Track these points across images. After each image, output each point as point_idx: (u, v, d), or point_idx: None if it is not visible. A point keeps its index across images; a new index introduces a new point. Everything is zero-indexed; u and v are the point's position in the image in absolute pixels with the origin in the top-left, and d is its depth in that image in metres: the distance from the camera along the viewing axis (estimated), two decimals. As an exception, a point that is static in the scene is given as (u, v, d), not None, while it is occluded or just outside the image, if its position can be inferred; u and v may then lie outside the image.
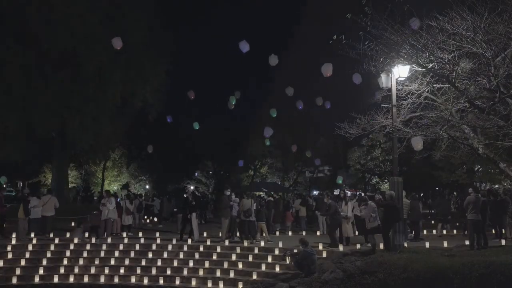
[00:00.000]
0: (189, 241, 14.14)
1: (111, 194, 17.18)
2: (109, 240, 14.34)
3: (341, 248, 12.27)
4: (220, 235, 14.67)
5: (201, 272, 12.14)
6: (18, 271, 12.34)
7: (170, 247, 13.71)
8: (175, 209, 19.38)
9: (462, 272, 8.72)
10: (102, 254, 13.51)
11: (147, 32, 24.34)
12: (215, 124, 36.57)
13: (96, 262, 13.15)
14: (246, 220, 14.06)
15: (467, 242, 11.79)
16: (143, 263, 13.03)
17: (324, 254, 11.83)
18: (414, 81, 11.44)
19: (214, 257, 12.87)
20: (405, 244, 12.13)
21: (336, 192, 29.71)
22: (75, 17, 21.28)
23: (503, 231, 13.59)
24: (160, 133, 38.12)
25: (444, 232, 16.70)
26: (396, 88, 11.81)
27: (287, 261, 11.30)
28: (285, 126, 33.42)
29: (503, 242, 12.31)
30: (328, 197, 14.62)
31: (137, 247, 13.86)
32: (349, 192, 38.88)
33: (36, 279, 12.16)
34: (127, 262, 13.07)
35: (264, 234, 14.55)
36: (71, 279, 12.43)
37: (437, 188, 39.89)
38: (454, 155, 14.00)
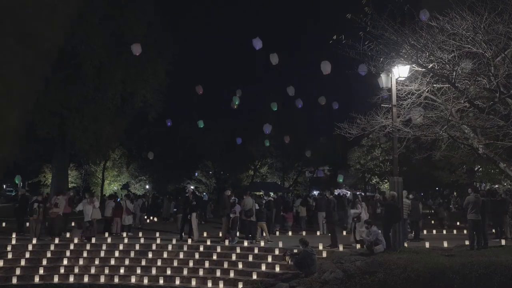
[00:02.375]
0: (189, 241, 14.14)
1: (93, 194, 16.97)
2: (109, 240, 14.34)
3: (341, 248, 12.28)
4: (220, 235, 14.67)
5: (201, 272, 12.14)
6: (18, 271, 12.34)
7: (170, 247, 13.71)
8: (174, 209, 19.38)
9: (462, 272, 8.73)
10: (102, 254, 13.51)
11: (147, 32, 24.34)
12: (215, 124, 36.56)
13: (96, 262, 13.14)
14: (247, 220, 14.04)
15: (467, 242, 11.80)
16: (143, 263, 13.03)
17: (324, 254, 11.84)
18: (414, 81, 11.44)
19: (214, 257, 12.87)
20: (405, 244, 12.14)
21: (337, 192, 29.71)
22: (75, 17, 21.27)
23: (503, 231, 13.61)
24: (160, 133, 38.09)
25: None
26: (396, 88, 11.81)
27: (286, 261, 11.29)
28: (285, 126, 33.41)
29: (503, 242, 12.33)
30: (331, 194, 14.50)
31: (137, 247, 13.86)
32: (348, 192, 38.85)
33: (36, 279, 12.16)
34: (127, 262, 13.07)
35: (264, 234, 14.55)
36: (71, 279, 12.42)
37: (437, 188, 39.93)
38: (454, 155, 13.99)
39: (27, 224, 15.55)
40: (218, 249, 13.27)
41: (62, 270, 12.69)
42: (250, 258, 12.50)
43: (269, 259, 12.32)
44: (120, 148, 36.96)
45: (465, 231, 14.66)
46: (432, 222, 21.11)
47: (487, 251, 10.82)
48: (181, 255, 13.27)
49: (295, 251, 11.38)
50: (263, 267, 11.91)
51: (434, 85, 11.11)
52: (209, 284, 11.73)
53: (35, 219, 14.39)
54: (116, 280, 12.26)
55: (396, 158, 12.37)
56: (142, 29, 23.97)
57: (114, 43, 23.02)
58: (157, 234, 15.54)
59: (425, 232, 16.36)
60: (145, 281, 12.16)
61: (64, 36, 21.04)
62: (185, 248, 13.62)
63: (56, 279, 12.24)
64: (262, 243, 13.67)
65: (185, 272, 12.27)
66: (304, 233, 16.05)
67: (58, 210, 14.86)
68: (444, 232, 17.00)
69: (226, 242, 13.84)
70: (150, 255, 13.42)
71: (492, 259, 9.20)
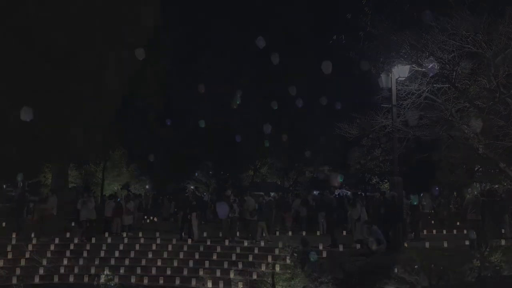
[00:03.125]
0: (189, 241, 14.14)
1: (90, 194, 17.01)
2: (109, 240, 14.34)
3: (341, 248, 12.27)
4: (220, 235, 14.67)
5: (201, 272, 12.14)
6: (18, 271, 12.34)
7: (170, 247, 13.70)
8: (175, 209, 19.37)
9: (462, 272, 8.73)
10: (102, 254, 13.51)
11: (147, 32, 24.34)
12: (216, 124, 36.54)
13: (96, 262, 13.14)
14: (252, 219, 14.02)
15: (467, 242, 11.80)
16: (143, 263, 13.03)
17: (324, 254, 11.83)
18: (414, 81, 11.44)
19: (214, 257, 12.87)
20: (405, 244, 12.13)
21: (337, 192, 29.73)
22: (75, 17, 21.26)
23: (503, 231, 13.60)
24: (160, 133, 38.03)
25: None
26: (396, 88, 11.81)
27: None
28: (285, 126, 33.38)
29: (503, 242, 12.32)
30: (331, 194, 14.60)
31: (137, 247, 13.86)
32: (348, 192, 38.83)
33: (36, 279, 12.16)
34: (127, 262, 13.06)
35: (264, 234, 14.54)
36: (71, 279, 12.42)
37: (437, 188, 39.87)
38: (454, 155, 13.99)
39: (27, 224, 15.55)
40: (218, 249, 13.27)
41: (62, 270, 12.69)
42: (250, 258, 12.50)
43: (269, 259, 12.32)
44: (120, 148, 36.90)
45: (465, 231, 14.65)
46: (432, 222, 21.07)
47: (486, 251, 10.81)
48: (181, 255, 13.27)
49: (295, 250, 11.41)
50: (263, 267, 11.91)
51: (434, 85, 11.11)
52: (209, 284, 11.74)
53: (32, 219, 14.40)
54: (117, 280, 12.26)
55: (396, 158, 12.37)
56: (142, 29, 23.98)
57: (115, 42, 23.01)
58: (157, 234, 15.51)
59: (425, 232, 16.32)
60: (145, 281, 12.16)
61: (64, 35, 21.07)
62: (185, 248, 13.62)
63: (56, 279, 12.25)
64: (262, 243, 13.67)
65: (185, 272, 12.27)
66: (304, 233, 16.03)
67: (47, 207, 14.81)
68: (444, 232, 16.97)
69: (226, 242, 13.84)
70: (150, 255, 13.41)
71: (491, 259, 9.20)
